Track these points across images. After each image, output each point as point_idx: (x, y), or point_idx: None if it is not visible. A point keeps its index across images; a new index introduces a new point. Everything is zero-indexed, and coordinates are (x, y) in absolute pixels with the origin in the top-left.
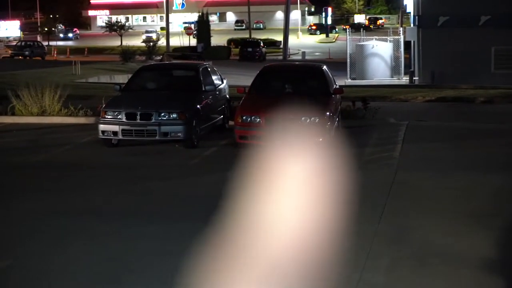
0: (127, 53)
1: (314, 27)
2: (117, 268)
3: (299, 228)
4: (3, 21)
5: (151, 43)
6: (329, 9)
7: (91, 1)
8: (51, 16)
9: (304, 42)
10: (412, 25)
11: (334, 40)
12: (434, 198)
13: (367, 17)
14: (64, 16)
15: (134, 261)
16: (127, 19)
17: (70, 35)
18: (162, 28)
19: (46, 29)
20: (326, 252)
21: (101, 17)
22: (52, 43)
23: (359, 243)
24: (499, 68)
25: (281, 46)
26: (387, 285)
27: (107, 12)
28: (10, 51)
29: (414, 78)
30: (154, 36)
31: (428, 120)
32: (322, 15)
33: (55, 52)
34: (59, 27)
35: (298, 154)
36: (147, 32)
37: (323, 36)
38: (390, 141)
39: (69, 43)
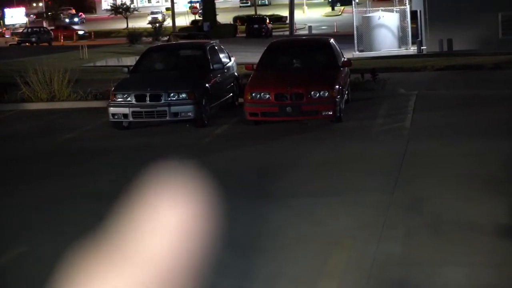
0: (134, 35)
1: None
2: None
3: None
4: (8, 9)
5: (157, 24)
6: None
7: None
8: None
9: (310, 16)
10: None
11: (340, 13)
12: (447, 166)
13: None
14: (70, 1)
15: None
16: (132, 1)
17: (76, 19)
18: (167, 9)
19: (50, 14)
20: (341, 223)
21: (106, 0)
22: None
23: (374, 213)
24: (506, 34)
25: (287, 21)
26: (404, 254)
27: None
28: (17, 38)
29: (422, 47)
30: (159, 17)
31: (438, 89)
32: None
33: (62, 37)
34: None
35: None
36: (152, 13)
37: (329, 9)
38: (400, 112)
39: (75, 27)
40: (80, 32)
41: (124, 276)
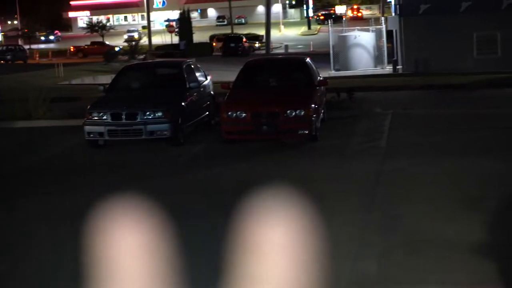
0: (110, 54)
1: (322, 17)
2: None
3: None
4: None
5: (133, 43)
6: (310, 1)
7: (71, 3)
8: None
9: (286, 35)
10: (393, 14)
11: (316, 32)
12: (423, 184)
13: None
14: (45, 19)
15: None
16: (108, 19)
17: (52, 37)
18: (143, 27)
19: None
20: (316, 243)
21: (82, 18)
22: (34, 46)
23: (350, 232)
24: (481, 54)
25: (264, 40)
26: (380, 273)
27: (87, 13)
28: None
29: (397, 67)
30: (136, 35)
31: (413, 108)
32: (303, 7)
33: (37, 55)
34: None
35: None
36: (129, 31)
37: (306, 28)
38: (376, 130)
39: (51, 45)
40: (116, 49)
41: None
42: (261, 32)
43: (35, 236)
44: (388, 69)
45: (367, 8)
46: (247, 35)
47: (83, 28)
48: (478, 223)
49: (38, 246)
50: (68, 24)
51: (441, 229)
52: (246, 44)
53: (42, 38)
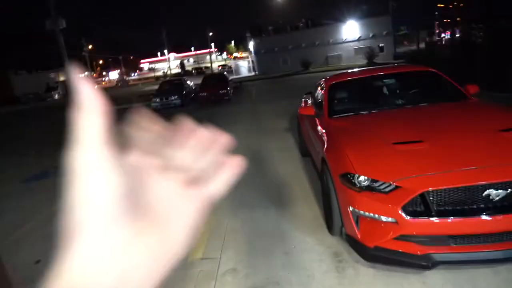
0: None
1: (231, 57)
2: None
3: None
4: None
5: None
6: (225, 53)
7: (141, 61)
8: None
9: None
10: (253, 54)
11: (229, 63)
12: (266, 110)
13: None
14: (132, 67)
15: None
16: (154, 65)
17: (135, 74)
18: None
19: None
20: (259, 110)
21: (145, 65)
22: (128, 78)
23: (250, 116)
24: (284, 65)
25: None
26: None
27: (147, 64)
28: None
29: (256, 72)
30: (165, 70)
31: (262, 86)
32: (222, 55)
33: (131, 82)
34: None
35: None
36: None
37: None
38: (250, 94)
39: (135, 77)
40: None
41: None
42: (208, 64)
43: None
44: (254, 74)
45: (245, 51)
46: (205, 67)
47: (148, 69)
48: (285, 119)
49: None
50: (140, 67)
51: (274, 124)
52: (203, 69)
53: (132, 74)
